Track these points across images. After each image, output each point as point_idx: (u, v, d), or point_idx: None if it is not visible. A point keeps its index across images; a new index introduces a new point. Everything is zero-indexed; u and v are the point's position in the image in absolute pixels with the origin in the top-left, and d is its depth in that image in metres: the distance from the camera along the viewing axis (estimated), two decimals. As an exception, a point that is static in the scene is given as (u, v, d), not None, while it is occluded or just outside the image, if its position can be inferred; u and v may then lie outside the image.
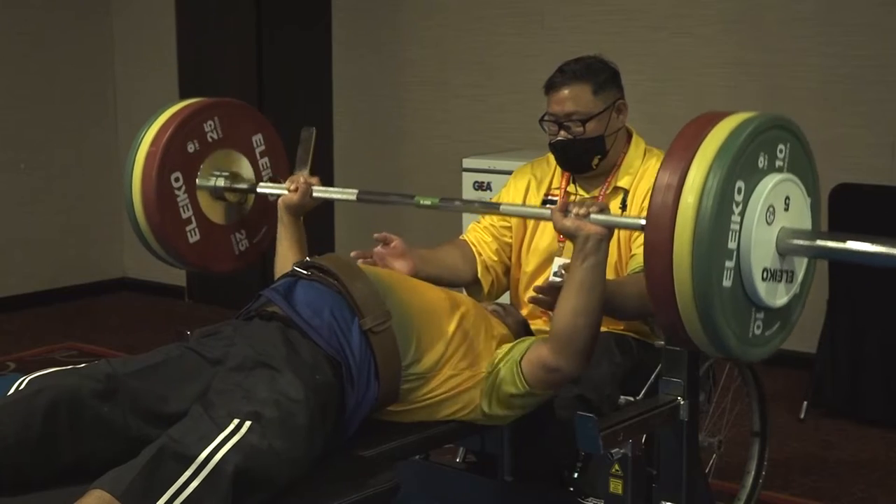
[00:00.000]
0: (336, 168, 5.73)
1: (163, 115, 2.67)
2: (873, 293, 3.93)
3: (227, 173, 2.71)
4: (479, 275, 2.66)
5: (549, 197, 2.65)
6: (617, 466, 2.15)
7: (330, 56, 5.70)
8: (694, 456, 2.27)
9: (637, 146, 2.60)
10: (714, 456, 2.77)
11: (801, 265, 1.97)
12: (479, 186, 4.12)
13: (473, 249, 2.69)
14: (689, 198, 1.78)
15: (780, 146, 1.91)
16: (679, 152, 1.83)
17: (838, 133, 4.32)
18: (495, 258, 2.68)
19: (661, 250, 1.80)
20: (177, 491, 1.71)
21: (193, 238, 2.66)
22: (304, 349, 2.05)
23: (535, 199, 2.67)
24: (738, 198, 1.82)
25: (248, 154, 2.78)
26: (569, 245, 2.56)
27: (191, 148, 2.64)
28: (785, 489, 3.38)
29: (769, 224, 1.87)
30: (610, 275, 2.52)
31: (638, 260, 2.42)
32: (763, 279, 1.87)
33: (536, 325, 2.56)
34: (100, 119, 6.20)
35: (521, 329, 2.44)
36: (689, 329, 1.84)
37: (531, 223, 2.66)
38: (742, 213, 1.83)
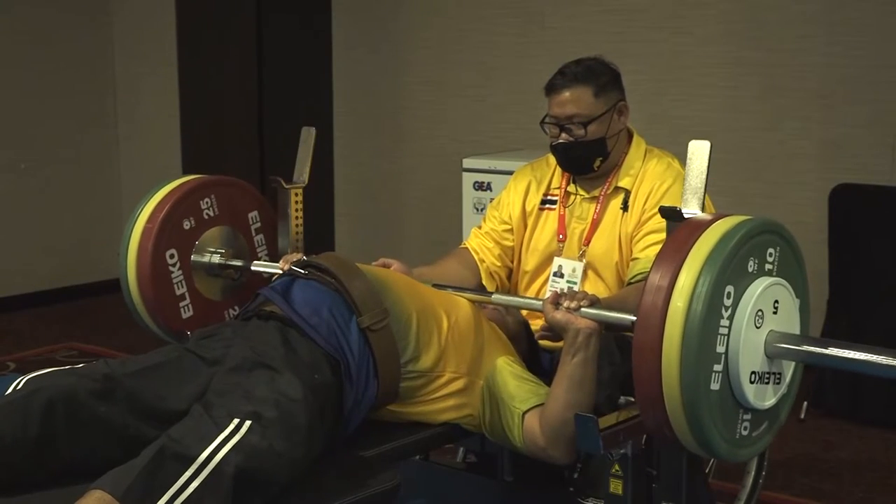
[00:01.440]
0: (336, 168, 5.73)
1: (160, 191, 2.71)
2: (873, 293, 3.93)
3: (222, 250, 2.75)
4: (483, 282, 2.66)
5: (549, 197, 2.65)
6: (617, 466, 2.15)
7: (330, 56, 5.70)
8: (694, 456, 2.27)
9: (638, 147, 2.60)
10: (714, 456, 2.76)
11: (789, 367, 1.99)
12: (479, 186, 4.12)
13: (475, 256, 2.69)
14: (678, 301, 1.79)
15: (770, 250, 1.93)
16: (670, 254, 1.85)
17: (838, 133, 4.32)
18: (499, 263, 2.68)
19: (649, 351, 1.81)
20: (177, 491, 1.71)
21: (186, 314, 2.70)
22: (303, 348, 2.05)
23: (535, 199, 2.67)
24: (728, 302, 1.83)
25: (243, 231, 2.83)
26: (568, 244, 2.57)
27: (187, 225, 2.69)
28: (785, 489, 3.38)
29: (758, 328, 1.89)
30: (611, 275, 2.52)
31: (639, 265, 2.42)
32: (751, 382, 1.88)
33: (536, 325, 2.56)
34: (100, 119, 6.20)
35: (521, 329, 2.44)
36: (676, 430, 1.85)
37: (531, 222, 2.66)
38: (731, 318, 1.85)
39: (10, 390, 1.93)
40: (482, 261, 2.68)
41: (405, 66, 5.46)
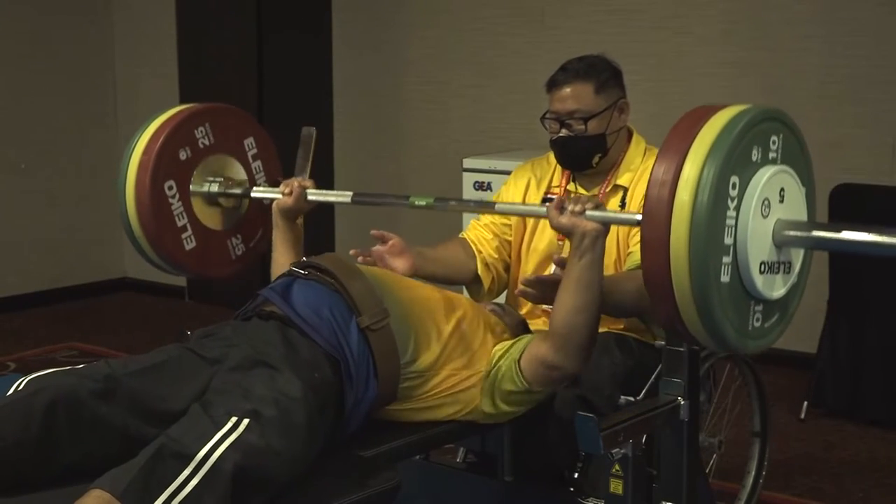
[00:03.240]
0: (336, 168, 5.73)
1: (153, 123, 2.67)
2: (873, 293, 3.93)
3: (220, 179, 2.71)
4: (479, 272, 2.66)
5: (549, 195, 2.65)
6: (617, 466, 2.15)
7: (330, 56, 5.70)
8: (694, 456, 2.27)
9: (637, 145, 2.61)
10: (714, 456, 2.76)
11: (798, 256, 1.97)
12: (480, 186, 4.12)
13: (473, 247, 2.69)
14: (684, 194, 1.78)
15: (773, 138, 1.91)
16: (673, 147, 1.84)
17: (838, 133, 4.32)
18: (495, 255, 2.68)
19: (657, 246, 1.80)
20: (176, 489, 1.71)
21: (189, 245, 2.67)
22: (303, 348, 2.05)
23: (534, 197, 2.67)
24: (733, 192, 1.82)
25: (240, 158, 2.78)
26: (568, 245, 2.57)
27: (183, 155, 2.65)
28: (785, 489, 3.38)
29: (765, 217, 1.87)
30: (609, 272, 2.52)
31: (635, 257, 2.42)
32: (761, 272, 1.87)
33: (536, 325, 2.56)
34: (100, 119, 6.20)
35: (520, 328, 2.44)
36: (687, 323, 1.85)
37: (531, 223, 2.66)
38: (737, 208, 1.83)
39: (11, 391, 1.93)
40: (479, 252, 2.68)
41: (405, 66, 5.46)
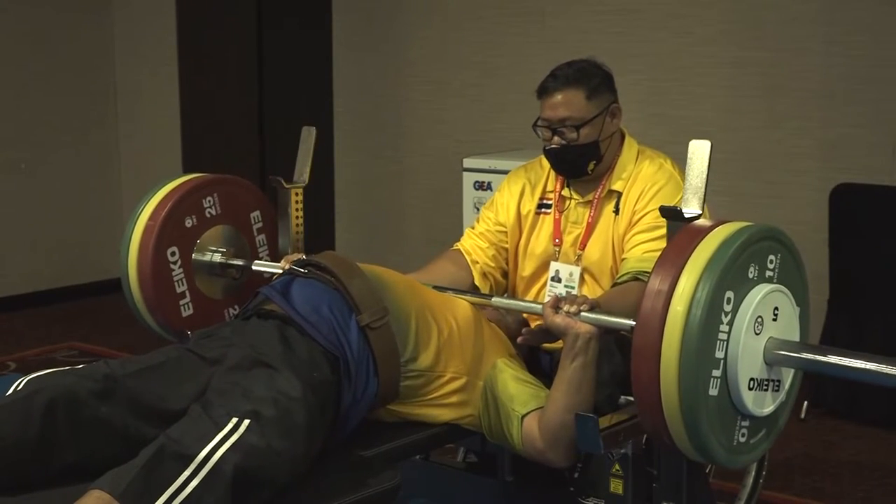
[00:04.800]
0: (336, 168, 5.73)
1: (162, 189, 2.71)
2: (873, 293, 3.93)
3: (223, 249, 2.74)
4: (477, 282, 2.65)
5: (544, 201, 2.64)
6: (617, 466, 2.15)
7: (330, 56, 5.70)
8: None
9: (630, 148, 2.59)
10: (714, 456, 2.76)
11: (787, 374, 1.98)
12: (480, 186, 4.12)
13: (468, 258, 2.67)
14: (678, 306, 1.79)
15: (771, 257, 1.93)
16: (671, 259, 1.85)
17: (838, 133, 4.32)
18: (492, 264, 2.67)
19: (648, 356, 1.81)
20: (176, 490, 1.71)
21: (186, 312, 2.69)
22: (302, 347, 2.05)
23: (529, 203, 2.65)
24: (727, 308, 1.83)
25: (245, 230, 2.82)
26: (564, 249, 2.57)
27: (188, 223, 2.68)
28: (785, 489, 3.38)
29: (757, 334, 1.88)
30: (607, 279, 2.52)
31: (629, 264, 2.41)
32: (750, 388, 1.88)
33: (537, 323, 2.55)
34: (100, 119, 6.20)
35: (521, 328, 2.44)
36: (674, 436, 1.85)
37: (527, 227, 2.65)
38: (730, 323, 1.84)
39: (10, 391, 1.93)
40: (475, 262, 2.66)
41: (405, 66, 5.46)
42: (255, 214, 2.85)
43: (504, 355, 2.31)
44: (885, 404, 3.92)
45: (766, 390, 1.93)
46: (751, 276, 1.88)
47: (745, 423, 1.93)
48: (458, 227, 4.16)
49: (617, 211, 2.52)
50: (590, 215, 2.55)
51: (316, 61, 5.67)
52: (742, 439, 1.94)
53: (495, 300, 2.40)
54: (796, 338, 1.99)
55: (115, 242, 6.52)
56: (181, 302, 2.68)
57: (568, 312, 2.11)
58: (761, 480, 2.92)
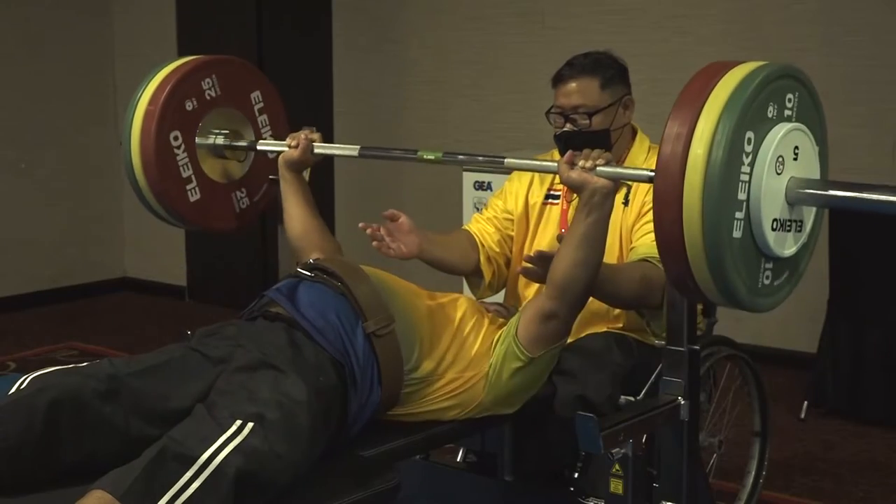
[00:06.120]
0: (336, 168, 5.73)
1: (160, 73, 2.65)
2: (873, 293, 3.93)
3: (226, 131, 2.69)
4: (482, 265, 2.66)
5: (552, 192, 2.65)
6: (617, 466, 2.15)
7: (330, 56, 5.70)
8: (694, 456, 2.27)
9: (642, 143, 2.61)
10: (714, 456, 2.76)
11: (809, 214, 1.96)
12: (479, 186, 4.12)
13: (477, 240, 2.69)
14: (698, 148, 1.76)
15: (789, 95, 1.90)
16: (688, 102, 1.81)
17: (838, 133, 4.29)
18: (497, 249, 2.68)
19: (670, 200, 1.78)
20: (178, 492, 1.70)
21: (194, 197, 2.64)
22: (309, 351, 2.05)
23: (538, 194, 2.67)
24: (748, 148, 1.80)
25: (246, 111, 2.77)
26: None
27: (189, 106, 2.63)
28: (785, 489, 3.38)
29: (779, 174, 1.85)
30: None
31: (638, 251, 2.42)
32: (773, 229, 1.86)
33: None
34: (100, 119, 6.20)
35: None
36: (698, 280, 1.83)
37: (534, 218, 2.66)
38: (752, 164, 1.81)
39: (13, 389, 1.92)
40: (482, 245, 2.68)
41: (405, 66, 5.46)
42: (256, 94, 2.79)
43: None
44: (885, 404, 3.92)
45: (789, 231, 1.90)
46: (770, 115, 1.85)
47: (769, 266, 1.91)
48: (458, 227, 4.16)
49: (626, 202, 2.53)
50: None
51: (316, 61, 5.67)
52: (766, 281, 1.92)
53: (508, 161, 2.33)
54: (816, 176, 1.96)
55: (115, 243, 6.55)
56: (188, 187, 2.63)
57: (583, 167, 2.09)
58: (761, 480, 2.92)
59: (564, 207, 2.61)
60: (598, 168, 2.08)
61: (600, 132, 2.50)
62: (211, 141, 2.67)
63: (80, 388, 1.88)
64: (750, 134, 1.80)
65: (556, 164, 2.16)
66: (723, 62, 1.91)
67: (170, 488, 1.70)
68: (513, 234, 2.69)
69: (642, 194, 2.51)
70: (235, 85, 2.74)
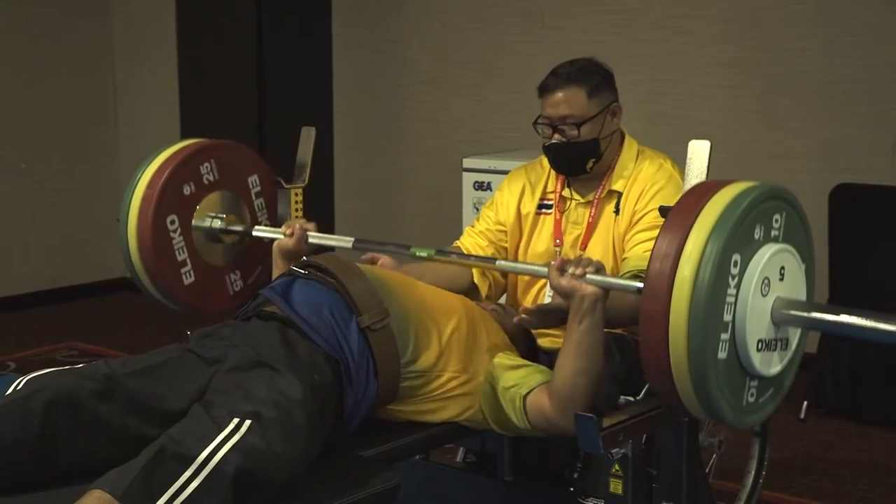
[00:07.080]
0: (336, 168, 5.73)
1: (159, 156, 2.68)
2: (874, 293, 3.92)
3: (222, 215, 2.72)
4: (476, 281, 2.65)
5: (545, 201, 2.64)
6: (617, 466, 2.15)
7: (330, 56, 5.70)
8: (694, 456, 2.27)
9: (630, 148, 2.59)
10: (714, 456, 2.77)
11: (795, 333, 1.98)
12: (479, 186, 4.12)
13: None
14: (685, 269, 1.78)
15: (776, 216, 1.92)
16: (677, 222, 1.84)
17: (838, 133, 4.32)
18: None
19: (657, 319, 1.80)
20: (176, 491, 1.71)
21: (188, 280, 2.67)
22: (303, 348, 2.05)
23: (530, 203, 2.66)
24: (735, 270, 1.82)
25: (243, 196, 2.79)
26: (565, 249, 2.57)
27: (187, 190, 2.65)
28: (785, 489, 3.38)
29: (764, 295, 1.87)
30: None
31: (629, 263, 2.42)
32: (758, 350, 1.88)
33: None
34: (100, 119, 6.20)
35: (520, 330, 2.44)
36: (683, 398, 1.85)
37: (527, 227, 2.65)
38: (738, 286, 1.83)
39: (10, 390, 1.93)
40: None
41: (405, 66, 5.46)
42: (253, 178, 2.80)
43: (503, 349, 2.30)
44: (885, 404, 3.92)
45: (774, 350, 1.92)
46: (756, 236, 1.87)
47: (754, 384, 1.92)
48: (458, 227, 4.15)
49: (617, 211, 2.52)
50: (590, 215, 2.55)
51: (316, 61, 5.67)
52: (751, 399, 1.93)
53: (499, 263, 2.37)
54: (803, 295, 1.97)
55: (115, 242, 6.52)
56: (182, 270, 2.65)
57: (573, 275, 2.10)
58: (761, 480, 2.92)
59: (557, 217, 2.61)
60: (587, 276, 2.08)
61: (589, 142, 2.49)
62: (207, 224, 2.70)
63: (77, 388, 1.88)
64: (737, 256, 1.82)
65: (546, 269, 2.16)
66: (713, 181, 1.93)
67: (168, 487, 1.70)
68: (507, 245, 2.68)
69: (633, 202, 2.51)
70: (233, 169, 2.77)
